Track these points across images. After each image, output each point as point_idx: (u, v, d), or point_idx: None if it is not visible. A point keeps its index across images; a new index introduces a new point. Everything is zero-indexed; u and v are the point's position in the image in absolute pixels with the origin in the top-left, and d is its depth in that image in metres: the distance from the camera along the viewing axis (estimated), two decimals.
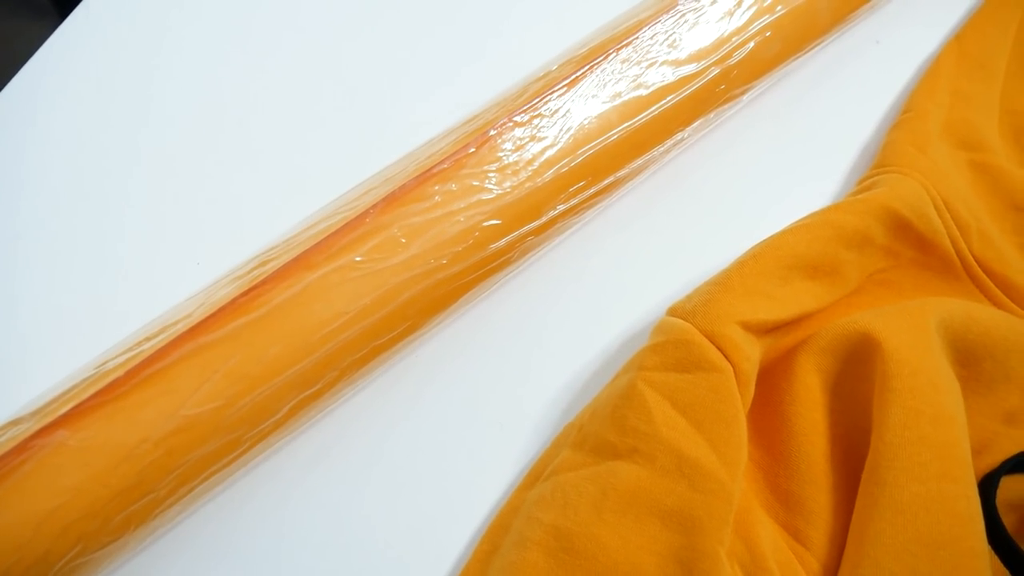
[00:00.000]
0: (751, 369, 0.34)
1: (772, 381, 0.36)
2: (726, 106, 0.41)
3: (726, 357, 0.33)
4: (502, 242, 0.35)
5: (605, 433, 0.34)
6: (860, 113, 0.46)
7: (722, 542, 0.31)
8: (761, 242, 0.37)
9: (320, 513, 0.36)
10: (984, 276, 0.40)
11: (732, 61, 0.39)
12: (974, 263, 0.40)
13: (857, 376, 0.35)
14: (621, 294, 0.41)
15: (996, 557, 0.33)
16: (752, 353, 0.34)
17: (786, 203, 0.41)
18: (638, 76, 0.37)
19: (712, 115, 0.40)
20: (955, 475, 0.32)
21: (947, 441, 0.32)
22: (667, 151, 0.39)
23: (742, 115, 0.45)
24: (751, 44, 0.39)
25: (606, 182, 0.37)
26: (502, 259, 0.36)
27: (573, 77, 0.37)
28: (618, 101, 0.37)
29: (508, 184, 0.35)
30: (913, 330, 0.35)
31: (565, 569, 0.31)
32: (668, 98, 0.38)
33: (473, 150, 0.35)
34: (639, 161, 0.38)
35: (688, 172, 0.44)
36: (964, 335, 0.36)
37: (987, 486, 0.34)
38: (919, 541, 0.31)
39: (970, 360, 0.36)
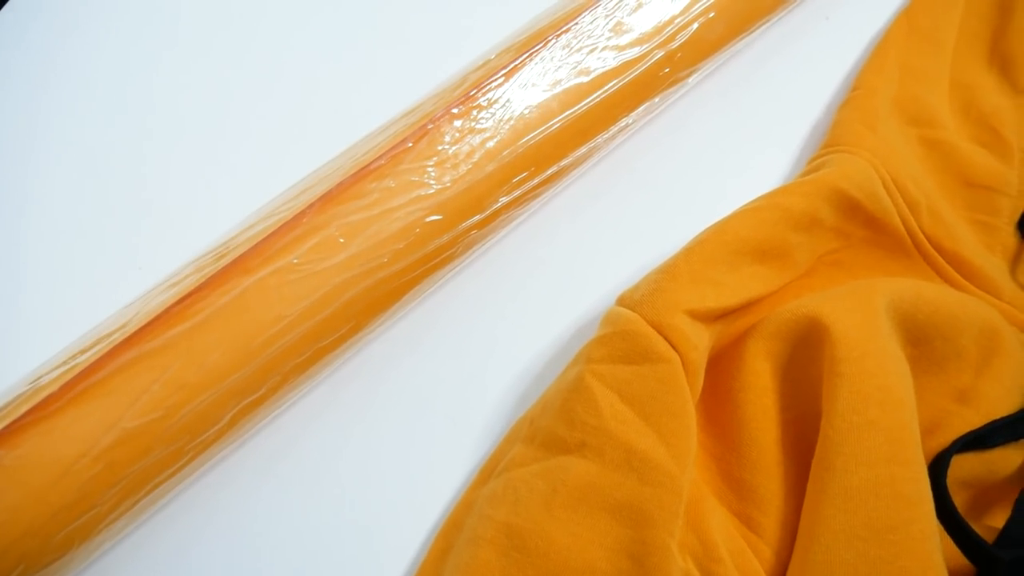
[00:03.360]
0: (699, 359, 0.34)
1: (722, 368, 0.36)
2: (672, 89, 0.40)
3: (673, 347, 0.33)
4: (444, 237, 0.35)
5: (554, 428, 0.34)
6: (810, 91, 0.45)
7: (672, 534, 0.31)
8: (708, 228, 0.37)
9: (275, 517, 0.35)
10: (935, 253, 0.40)
11: (675, 44, 0.38)
12: (925, 241, 0.40)
13: (806, 360, 0.34)
14: (573, 283, 0.40)
15: (947, 537, 0.33)
16: (700, 342, 0.34)
17: (737, 185, 0.41)
18: (579, 62, 0.37)
19: (658, 99, 0.40)
20: (904, 458, 0.32)
21: (896, 424, 0.32)
22: (612, 137, 0.39)
23: (690, 98, 0.44)
24: (694, 26, 0.39)
25: (550, 172, 0.37)
26: (446, 254, 0.35)
27: (512, 66, 0.36)
28: (559, 89, 0.36)
29: (448, 178, 0.35)
30: (861, 312, 0.34)
31: (517, 567, 0.31)
32: (611, 84, 0.37)
33: (411, 144, 0.34)
34: (583, 149, 0.37)
35: (637, 157, 0.43)
36: (914, 315, 0.36)
37: (938, 466, 0.34)
38: (869, 526, 0.30)
39: (921, 339, 0.36)
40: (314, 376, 0.35)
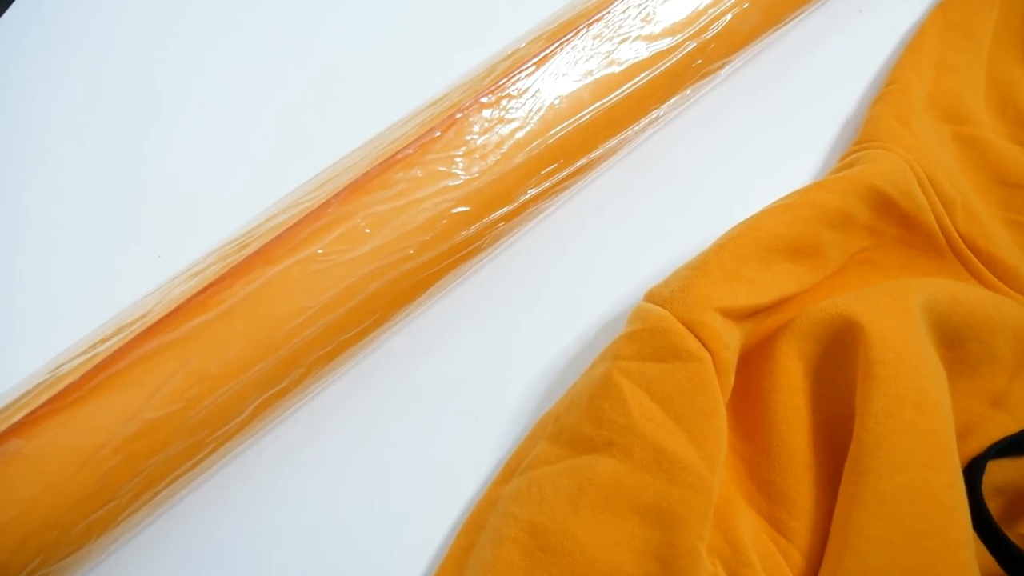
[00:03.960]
0: (730, 357, 0.33)
1: (753, 367, 0.35)
2: (703, 82, 0.39)
3: (704, 345, 0.32)
4: (471, 229, 0.34)
5: (581, 425, 0.33)
6: (842, 86, 0.44)
7: (701, 537, 0.30)
8: (740, 224, 0.36)
9: (293, 512, 0.35)
10: (970, 253, 0.39)
11: (708, 35, 0.37)
12: (959, 240, 0.39)
13: (839, 361, 0.34)
14: (599, 278, 0.40)
15: (982, 544, 0.32)
16: (731, 340, 0.33)
17: (767, 182, 0.40)
18: (610, 52, 0.36)
19: (689, 91, 0.39)
20: (939, 463, 0.31)
21: (931, 428, 0.31)
22: (643, 130, 0.38)
23: (720, 91, 0.43)
24: (728, 16, 0.38)
25: (579, 164, 0.36)
26: (472, 247, 0.35)
27: (542, 55, 0.35)
28: (590, 79, 0.36)
29: (476, 169, 0.34)
30: (897, 313, 0.34)
31: (542, 567, 0.31)
32: (642, 75, 0.36)
33: (439, 134, 0.34)
34: (613, 141, 0.37)
35: (666, 151, 0.42)
36: (949, 316, 0.35)
37: (973, 472, 0.33)
38: (903, 532, 0.30)
39: (955, 342, 0.35)
40: (337, 369, 0.34)
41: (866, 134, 0.41)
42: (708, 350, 0.32)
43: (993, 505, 0.34)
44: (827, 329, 0.34)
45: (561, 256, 0.40)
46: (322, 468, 0.36)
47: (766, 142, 0.43)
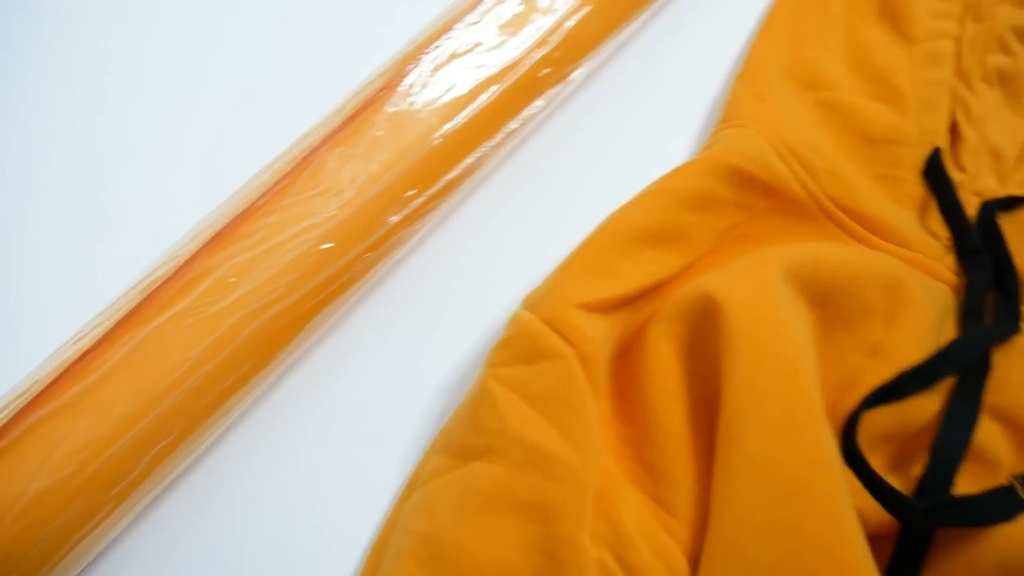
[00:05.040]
0: (595, 350, 0.34)
1: (631, 355, 0.36)
2: (561, 86, 0.41)
3: (568, 342, 0.34)
4: (339, 263, 0.35)
5: (464, 435, 0.34)
6: (707, 71, 0.45)
7: (581, 526, 0.31)
8: (602, 221, 0.37)
9: (206, 560, 0.36)
10: (840, 213, 0.40)
11: (550, 45, 0.39)
12: (828, 202, 0.40)
13: (706, 339, 0.35)
14: (488, 291, 0.41)
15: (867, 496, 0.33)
16: (595, 333, 0.34)
17: (646, 174, 0.41)
18: (453, 76, 0.37)
19: (544, 100, 0.40)
20: (804, 422, 0.32)
21: (793, 391, 0.32)
22: (502, 143, 0.39)
23: (589, 91, 0.45)
24: (568, 24, 0.39)
25: (438, 186, 0.37)
26: (343, 279, 0.36)
27: (385, 88, 0.37)
28: (436, 104, 0.37)
29: (334, 205, 0.35)
30: (753, 284, 0.35)
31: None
32: (488, 91, 0.38)
33: (293, 178, 0.35)
34: (471, 159, 0.38)
35: (543, 157, 0.44)
36: (815, 278, 0.36)
37: (850, 423, 0.34)
38: (773, 493, 0.31)
39: (826, 300, 0.36)
40: (227, 415, 0.35)
41: (726, 114, 0.42)
42: (571, 345, 0.33)
43: (883, 453, 0.35)
44: (691, 309, 0.35)
45: (450, 271, 0.41)
46: (235, 511, 0.37)
47: (639, 135, 0.44)
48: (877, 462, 0.35)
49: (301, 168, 0.35)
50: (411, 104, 0.37)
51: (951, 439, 0.34)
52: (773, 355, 0.33)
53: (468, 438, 0.34)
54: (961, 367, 0.35)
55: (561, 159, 0.44)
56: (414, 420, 0.38)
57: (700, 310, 0.35)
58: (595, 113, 0.45)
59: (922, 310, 0.37)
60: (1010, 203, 0.41)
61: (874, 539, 0.33)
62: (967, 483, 0.34)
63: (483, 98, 0.37)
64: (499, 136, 0.38)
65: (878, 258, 0.38)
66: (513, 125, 0.39)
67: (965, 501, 0.33)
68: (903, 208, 0.41)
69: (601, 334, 0.34)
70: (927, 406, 0.35)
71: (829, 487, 0.31)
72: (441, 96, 0.37)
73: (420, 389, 0.39)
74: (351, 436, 0.38)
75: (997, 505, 0.32)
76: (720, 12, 0.47)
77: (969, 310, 0.38)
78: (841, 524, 0.30)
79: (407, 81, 0.37)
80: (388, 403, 0.39)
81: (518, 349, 0.34)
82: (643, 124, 0.44)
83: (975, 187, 0.41)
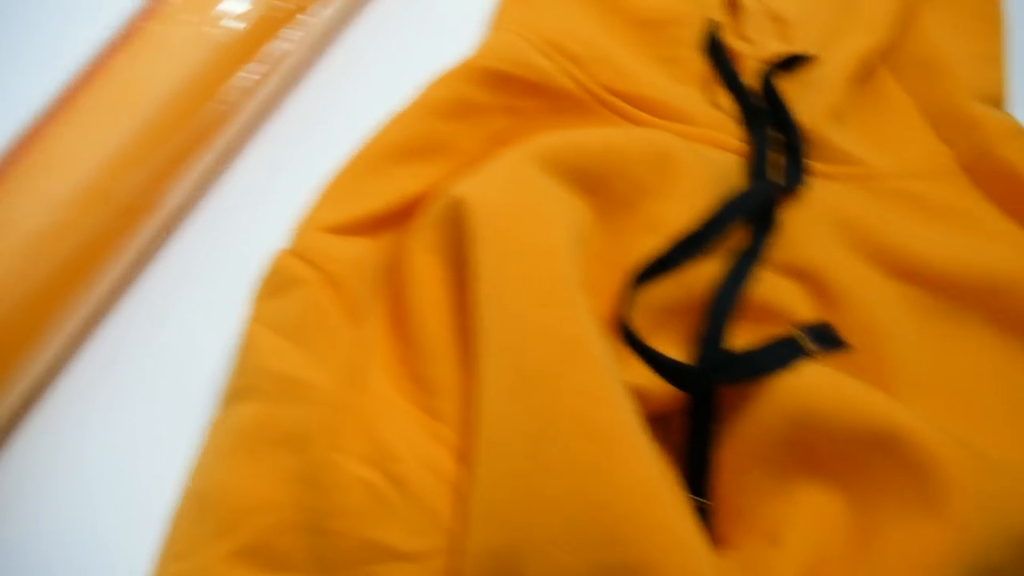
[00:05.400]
0: (342, 269, 0.33)
1: (397, 270, 0.35)
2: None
3: (314, 266, 0.32)
4: None
5: (231, 381, 0.33)
6: None
7: (338, 448, 0.30)
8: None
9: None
10: (616, 100, 0.39)
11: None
12: (602, 91, 0.39)
13: (460, 243, 0.33)
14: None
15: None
16: (343, 254, 0.33)
17: None
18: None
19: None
20: (555, 301, 0.30)
21: (544, 273, 0.31)
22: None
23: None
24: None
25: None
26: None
27: None
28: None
29: None
30: (500, 178, 0.33)
31: (204, 525, 0.30)
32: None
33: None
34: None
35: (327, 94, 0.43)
36: (578, 164, 0.35)
37: (626, 300, 0.33)
38: (527, 376, 0.29)
39: (597, 185, 0.35)
40: None
41: (492, 23, 0.41)
42: (317, 269, 0.32)
43: (670, 325, 0.34)
44: (444, 214, 0.34)
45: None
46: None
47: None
48: (668, 337, 0.33)
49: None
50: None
51: (725, 297, 0.32)
52: (519, 241, 0.31)
53: (234, 382, 0.33)
54: (742, 222, 0.34)
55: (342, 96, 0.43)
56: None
57: (451, 213, 0.33)
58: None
59: (694, 179, 0.35)
60: (790, 63, 0.39)
61: (674, 416, 0.32)
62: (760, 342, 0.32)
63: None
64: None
65: (643, 134, 0.36)
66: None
67: (742, 357, 0.31)
68: (688, 87, 0.40)
69: (352, 255, 0.33)
70: (707, 272, 0.33)
71: (584, 362, 0.29)
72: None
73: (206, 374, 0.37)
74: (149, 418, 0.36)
75: (776, 356, 0.31)
76: None
77: (753, 171, 0.36)
78: (599, 398, 0.28)
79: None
80: (182, 385, 0.37)
81: (271, 285, 0.33)
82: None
83: (763, 55, 0.40)
